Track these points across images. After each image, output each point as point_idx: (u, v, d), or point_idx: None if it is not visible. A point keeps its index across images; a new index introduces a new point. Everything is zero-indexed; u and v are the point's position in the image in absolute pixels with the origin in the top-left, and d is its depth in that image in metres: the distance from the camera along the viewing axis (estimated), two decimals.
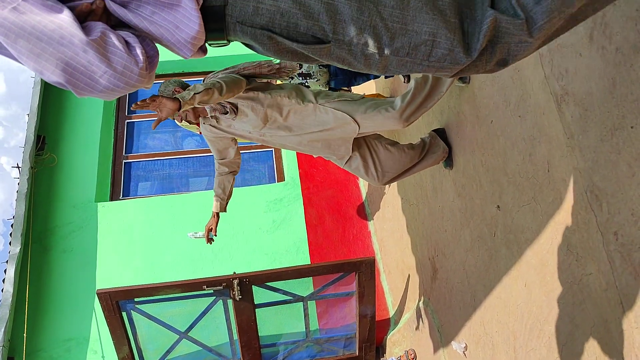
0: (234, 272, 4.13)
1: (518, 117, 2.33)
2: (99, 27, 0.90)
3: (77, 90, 0.92)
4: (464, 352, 3.31)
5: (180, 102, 2.28)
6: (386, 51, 1.01)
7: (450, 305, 3.51)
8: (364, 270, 4.18)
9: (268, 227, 5.24)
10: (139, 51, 0.94)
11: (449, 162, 3.22)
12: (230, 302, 4.18)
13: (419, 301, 4.14)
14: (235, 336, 4.34)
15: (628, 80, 1.58)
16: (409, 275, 4.38)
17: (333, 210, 5.38)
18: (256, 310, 4.21)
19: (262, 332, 4.36)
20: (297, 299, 4.33)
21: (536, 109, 2.17)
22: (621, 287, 1.75)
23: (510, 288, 2.63)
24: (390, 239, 4.83)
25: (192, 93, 2.38)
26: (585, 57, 1.77)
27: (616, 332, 1.81)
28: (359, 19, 0.97)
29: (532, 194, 2.30)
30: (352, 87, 4.24)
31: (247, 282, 4.08)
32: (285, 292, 4.26)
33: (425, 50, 1.02)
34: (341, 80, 3.71)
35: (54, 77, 0.87)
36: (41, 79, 5.46)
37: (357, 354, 4.58)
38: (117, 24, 0.97)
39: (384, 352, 4.85)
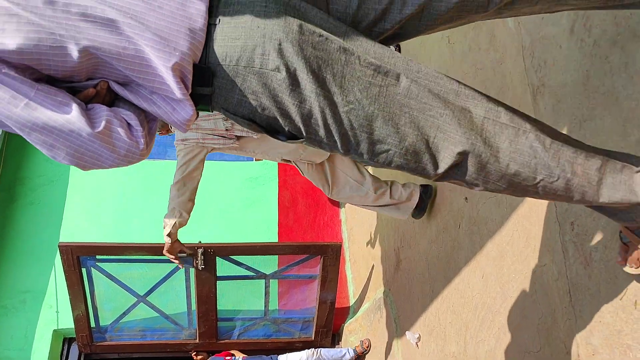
0: (200, 242, 4.11)
1: None
2: (103, 114, 0.98)
3: (84, 169, 1.03)
4: (417, 342, 3.34)
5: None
6: (351, 153, 1.10)
7: (409, 296, 3.54)
8: (330, 255, 4.20)
9: (240, 204, 5.24)
10: (140, 133, 1.02)
11: (419, 213, 3.16)
12: (192, 271, 4.16)
13: (379, 291, 4.18)
14: (194, 306, 4.33)
15: (601, 72, 1.62)
16: (373, 265, 4.41)
17: (307, 195, 5.39)
18: (217, 282, 4.20)
19: (220, 305, 4.35)
20: (259, 275, 4.33)
21: (513, 101, 2.20)
22: (571, 276, 1.79)
23: (468, 279, 2.67)
24: (360, 229, 4.85)
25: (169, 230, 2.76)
26: (565, 49, 1.81)
27: (562, 322, 1.85)
28: (330, 125, 1.04)
29: None
30: None
31: (212, 252, 4.06)
32: (248, 268, 4.26)
33: (386, 158, 1.10)
34: None
35: (65, 161, 0.98)
36: None
37: (313, 338, 4.60)
38: (119, 98, 1.05)
39: (339, 339, 4.88)
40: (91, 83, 1.01)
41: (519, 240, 2.18)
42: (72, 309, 4.17)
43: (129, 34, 0.94)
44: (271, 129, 1.08)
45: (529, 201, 2.10)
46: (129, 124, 1.01)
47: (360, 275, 4.76)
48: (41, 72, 0.95)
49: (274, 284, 4.51)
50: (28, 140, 0.95)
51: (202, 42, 0.99)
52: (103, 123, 0.96)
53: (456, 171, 1.12)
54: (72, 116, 0.94)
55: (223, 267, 4.17)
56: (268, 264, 4.35)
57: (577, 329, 1.75)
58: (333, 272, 4.27)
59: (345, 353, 4.46)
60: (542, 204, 1.99)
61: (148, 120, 1.07)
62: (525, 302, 2.12)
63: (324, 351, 4.46)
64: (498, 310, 2.35)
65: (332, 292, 4.39)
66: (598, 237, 1.64)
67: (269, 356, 4.36)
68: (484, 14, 1.15)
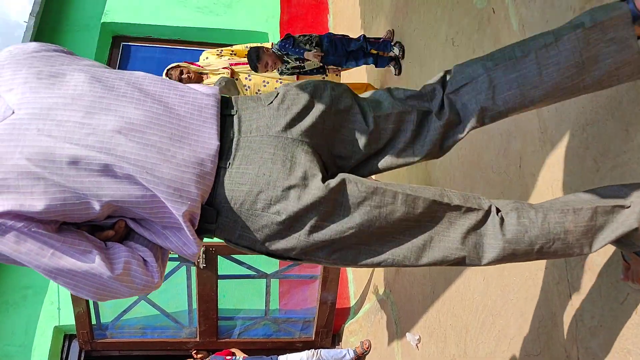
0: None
1: None
2: (122, 255, 1.07)
3: (102, 301, 1.16)
4: (417, 344, 3.34)
5: None
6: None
7: (410, 297, 3.54)
8: None
9: None
10: (155, 269, 1.11)
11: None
12: (193, 269, 4.17)
13: (380, 292, 4.18)
14: (195, 305, 4.34)
15: None
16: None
17: None
18: (218, 281, 4.21)
19: (221, 304, 4.35)
20: (260, 275, 4.33)
21: None
22: (572, 280, 1.79)
23: (469, 281, 2.67)
24: None
25: None
26: None
27: (561, 325, 1.85)
28: (318, 256, 1.16)
29: (501, 189, 2.34)
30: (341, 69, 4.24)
31: (213, 251, 4.07)
32: (249, 267, 4.27)
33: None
34: (332, 60, 3.73)
35: (86, 297, 1.08)
36: (34, 25, 5.40)
37: (313, 338, 4.60)
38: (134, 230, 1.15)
39: (340, 339, 4.88)
40: (110, 222, 1.10)
41: None
42: (73, 306, 4.18)
43: (146, 185, 1.02)
44: (269, 254, 1.18)
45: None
46: (145, 260, 1.11)
47: (361, 276, 4.76)
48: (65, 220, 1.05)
49: (275, 283, 4.51)
50: (54, 282, 1.06)
51: (210, 186, 1.08)
52: (122, 265, 1.06)
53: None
54: (95, 263, 1.04)
55: (224, 266, 4.18)
56: (269, 263, 4.35)
57: (577, 333, 1.75)
58: (334, 273, 4.27)
59: (345, 354, 4.46)
60: None
61: (162, 252, 1.16)
62: (526, 305, 2.12)
63: (324, 352, 4.46)
64: (499, 312, 2.35)
65: (332, 292, 4.39)
66: None
67: (269, 356, 4.36)
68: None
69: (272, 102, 1.18)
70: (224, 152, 1.11)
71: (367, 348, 4.34)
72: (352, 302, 4.88)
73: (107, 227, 1.11)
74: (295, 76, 3.86)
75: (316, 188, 1.10)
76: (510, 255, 1.19)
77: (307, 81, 1.25)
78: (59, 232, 1.03)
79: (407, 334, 3.48)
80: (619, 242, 1.27)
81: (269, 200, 1.09)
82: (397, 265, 1.18)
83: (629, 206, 1.20)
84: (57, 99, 1.03)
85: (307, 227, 1.11)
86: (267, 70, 3.68)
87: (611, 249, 1.58)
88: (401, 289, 3.72)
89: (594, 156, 1.67)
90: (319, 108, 1.20)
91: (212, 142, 1.09)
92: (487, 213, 1.19)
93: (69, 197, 1.00)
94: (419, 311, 3.35)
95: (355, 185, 1.14)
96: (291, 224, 1.10)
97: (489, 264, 1.20)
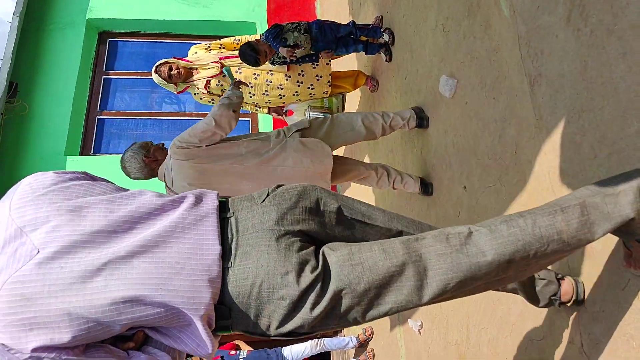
0: None
1: (492, 98, 2.35)
2: None
3: None
4: (419, 330, 3.37)
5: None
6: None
7: None
8: None
9: None
10: None
11: (426, 189, 3.16)
12: None
13: None
14: None
15: (599, 62, 1.61)
16: None
17: None
18: None
19: None
20: None
21: (510, 91, 2.19)
22: (573, 266, 1.79)
23: None
24: None
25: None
26: (561, 38, 1.79)
27: (563, 311, 1.86)
28: (328, 324, 1.26)
29: (497, 175, 2.34)
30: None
31: None
32: None
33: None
34: (322, 47, 3.69)
35: None
36: (18, 25, 5.32)
37: None
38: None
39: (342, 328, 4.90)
40: (130, 333, 1.20)
41: None
42: None
43: (163, 301, 1.12)
44: (285, 336, 1.27)
45: (528, 190, 2.10)
46: None
47: None
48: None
49: None
50: None
51: (219, 288, 1.17)
52: None
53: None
54: None
55: None
56: None
57: (580, 318, 1.76)
58: None
59: (348, 341, 4.49)
60: (540, 194, 1.99)
61: (179, 354, 1.25)
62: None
63: (327, 341, 4.48)
64: (499, 299, 2.36)
65: None
66: None
67: (273, 349, 4.38)
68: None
69: (264, 200, 1.31)
70: (226, 253, 1.21)
71: (370, 335, 4.37)
72: None
73: (127, 338, 1.21)
74: (286, 66, 3.83)
75: (310, 271, 1.20)
76: (505, 264, 1.22)
77: (296, 184, 1.38)
78: (86, 352, 1.13)
79: (409, 320, 3.50)
80: (619, 231, 1.29)
81: (271, 288, 1.19)
82: (404, 310, 1.25)
83: (619, 194, 1.22)
84: (76, 236, 1.14)
85: (308, 305, 1.20)
86: (268, 60, 3.64)
87: (610, 235, 1.58)
88: None
89: (591, 143, 1.66)
90: (305, 205, 1.33)
91: (215, 247, 1.19)
92: (470, 232, 1.25)
93: (92, 325, 1.10)
94: None
95: (334, 252, 1.26)
96: (295, 305, 1.20)
97: (488, 275, 1.23)
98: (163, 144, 3.18)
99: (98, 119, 5.54)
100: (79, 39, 5.64)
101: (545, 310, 1.99)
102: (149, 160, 2.92)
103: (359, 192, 4.63)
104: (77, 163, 5.11)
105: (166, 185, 2.93)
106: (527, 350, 2.12)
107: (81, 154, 5.33)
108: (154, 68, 3.93)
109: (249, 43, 3.48)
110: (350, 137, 3.14)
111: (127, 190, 1.32)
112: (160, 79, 3.90)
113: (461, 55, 2.65)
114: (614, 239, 1.58)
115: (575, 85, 1.73)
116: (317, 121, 3.12)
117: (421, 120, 3.14)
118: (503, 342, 2.33)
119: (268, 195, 1.33)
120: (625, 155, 1.52)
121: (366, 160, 4.57)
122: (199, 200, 1.29)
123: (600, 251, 1.65)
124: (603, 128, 1.61)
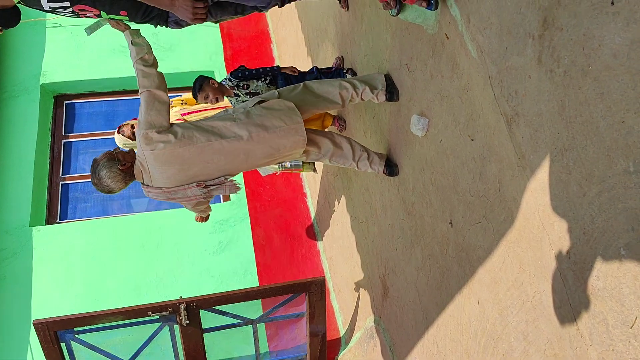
0: (181, 297, 3.99)
1: (467, 136, 2.36)
2: None
3: None
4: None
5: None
6: None
7: (402, 323, 3.50)
8: (314, 291, 4.12)
9: (214, 249, 5.11)
10: None
11: (391, 169, 3.26)
12: (177, 327, 4.03)
13: (369, 320, 4.12)
14: None
15: (576, 102, 1.62)
16: (359, 294, 4.36)
17: (281, 229, 5.31)
18: (204, 335, 4.08)
19: (210, 357, 4.22)
20: (246, 322, 4.22)
21: (486, 129, 2.20)
22: (575, 304, 1.78)
23: (463, 306, 2.64)
24: (340, 258, 4.80)
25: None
26: (534, 79, 1.81)
27: (570, 350, 1.84)
28: None
29: (483, 212, 2.33)
30: None
31: (195, 306, 3.94)
32: (234, 316, 4.15)
33: None
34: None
35: None
36: None
37: None
38: None
39: None
40: None
41: (511, 266, 2.17)
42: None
43: None
44: None
45: (517, 227, 2.09)
46: None
47: (347, 305, 4.70)
48: None
49: (261, 327, 4.40)
50: None
51: None
52: None
53: None
54: None
55: (207, 319, 4.05)
56: (253, 308, 4.24)
57: (589, 358, 1.74)
58: (320, 307, 4.20)
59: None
60: (530, 231, 1.99)
61: None
62: (528, 327, 2.11)
63: None
64: (499, 336, 2.33)
65: (321, 325, 4.31)
66: (598, 265, 1.64)
67: None
68: None
69: None
70: None
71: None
72: (342, 331, 4.81)
73: None
74: None
75: None
76: None
77: None
78: None
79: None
80: None
81: None
82: None
83: None
84: None
85: None
86: (206, 102, 3.66)
87: (611, 273, 1.57)
88: (391, 315, 3.68)
89: (579, 181, 1.67)
90: None
91: None
92: None
93: None
94: (414, 337, 3.31)
95: None
96: None
97: None
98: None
99: (62, 184, 5.38)
100: (35, 105, 5.50)
101: (551, 347, 1.96)
102: (125, 168, 2.75)
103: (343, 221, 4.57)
104: (43, 234, 4.93)
105: (143, 183, 2.81)
106: None
107: (47, 223, 5.15)
108: (116, 130, 3.91)
109: (204, 78, 3.60)
110: (322, 105, 3.13)
111: None
112: (125, 138, 3.90)
113: (430, 94, 2.67)
114: (615, 277, 1.57)
115: (554, 124, 1.74)
116: (287, 88, 3.10)
117: (391, 94, 3.12)
118: None
119: None
120: (615, 193, 1.52)
121: (342, 202, 4.54)
122: None
123: (601, 289, 1.64)
124: (589, 166, 1.62)
